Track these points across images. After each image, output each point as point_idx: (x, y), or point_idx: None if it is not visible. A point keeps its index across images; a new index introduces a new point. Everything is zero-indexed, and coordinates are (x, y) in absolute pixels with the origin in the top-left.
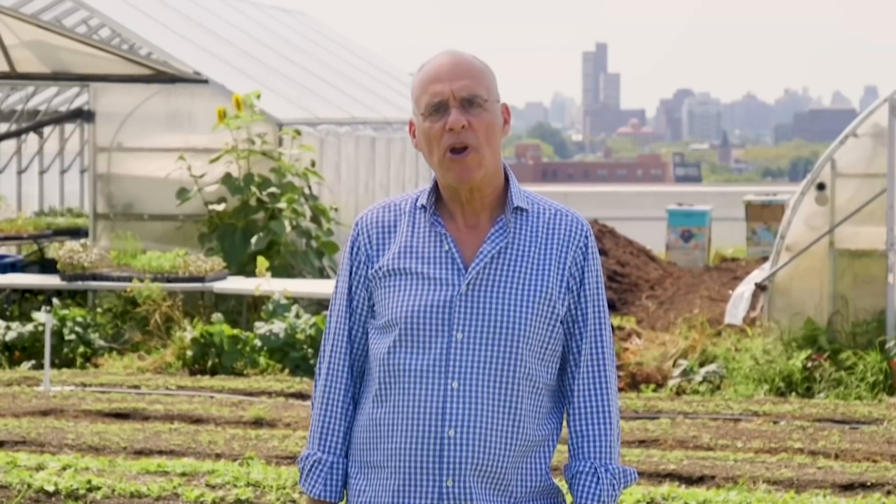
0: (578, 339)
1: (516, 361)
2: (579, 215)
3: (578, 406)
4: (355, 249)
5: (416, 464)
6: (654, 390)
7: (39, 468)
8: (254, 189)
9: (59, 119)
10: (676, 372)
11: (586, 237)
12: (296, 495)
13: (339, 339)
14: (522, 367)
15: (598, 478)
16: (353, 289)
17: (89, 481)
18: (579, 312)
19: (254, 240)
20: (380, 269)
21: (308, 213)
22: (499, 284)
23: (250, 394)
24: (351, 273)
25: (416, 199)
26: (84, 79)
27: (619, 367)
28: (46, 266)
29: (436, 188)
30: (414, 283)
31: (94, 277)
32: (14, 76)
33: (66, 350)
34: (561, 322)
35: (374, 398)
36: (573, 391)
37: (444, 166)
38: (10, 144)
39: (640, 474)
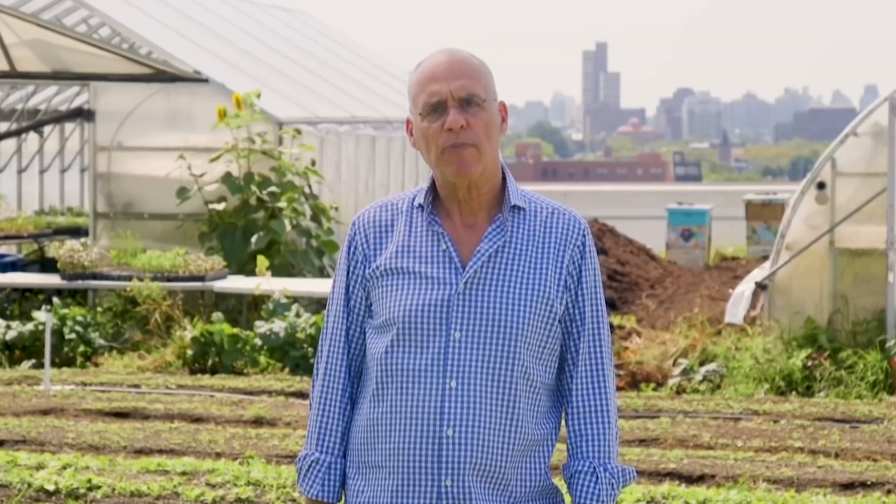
0: (576, 338)
1: (514, 360)
2: (577, 214)
3: (577, 405)
4: (352, 249)
5: (415, 463)
6: (655, 389)
7: (39, 467)
8: (254, 188)
9: (60, 118)
10: (676, 371)
11: (584, 236)
12: (296, 494)
13: (337, 338)
14: (520, 366)
15: (597, 477)
16: (351, 288)
17: (89, 480)
18: (577, 311)
19: (254, 239)
20: (377, 268)
21: (308, 213)
22: (496, 283)
23: (250, 393)
24: (348, 273)
25: (414, 199)
26: (84, 78)
27: (619, 367)
28: (46, 265)
29: (433, 187)
30: (411, 282)
31: (95, 276)
32: (14, 75)
33: (66, 349)
34: (559, 321)
35: (372, 398)
36: (571, 390)
37: (443, 161)
38: (11, 143)
39: (641, 473)
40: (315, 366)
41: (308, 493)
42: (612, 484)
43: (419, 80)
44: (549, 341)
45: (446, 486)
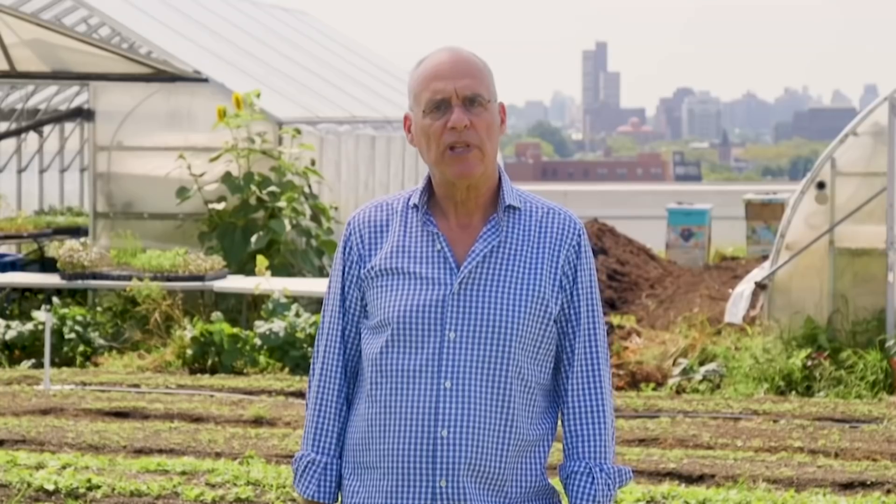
0: (572, 338)
1: (508, 361)
2: (572, 214)
3: (572, 406)
4: (348, 249)
5: (410, 464)
6: (654, 389)
7: (39, 467)
8: (254, 188)
9: (59, 118)
10: (676, 371)
11: (579, 235)
12: (295, 494)
13: (333, 339)
14: (515, 367)
15: (593, 478)
16: (346, 289)
17: (89, 480)
18: (572, 311)
19: (254, 238)
20: (372, 268)
21: (308, 212)
22: (491, 283)
23: (250, 392)
24: (344, 273)
25: (409, 199)
26: (84, 77)
27: (619, 366)
28: (46, 265)
29: (428, 187)
30: (406, 282)
31: (94, 276)
32: (14, 75)
33: (65, 349)
34: (554, 321)
35: (367, 398)
36: (567, 391)
37: (445, 162)
38: (10, 143)
39: (640, 473)
40: (311, 366)
41: (304, 493)
42: (609, 484)
43: (423, 76)
44: (544, 341)
45: (441, 487)
